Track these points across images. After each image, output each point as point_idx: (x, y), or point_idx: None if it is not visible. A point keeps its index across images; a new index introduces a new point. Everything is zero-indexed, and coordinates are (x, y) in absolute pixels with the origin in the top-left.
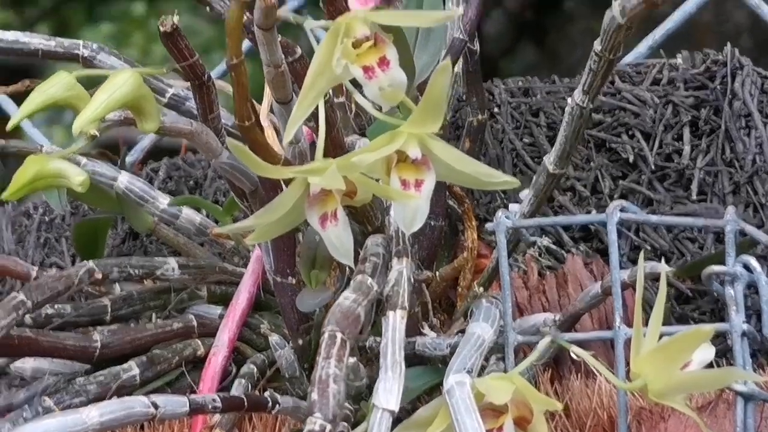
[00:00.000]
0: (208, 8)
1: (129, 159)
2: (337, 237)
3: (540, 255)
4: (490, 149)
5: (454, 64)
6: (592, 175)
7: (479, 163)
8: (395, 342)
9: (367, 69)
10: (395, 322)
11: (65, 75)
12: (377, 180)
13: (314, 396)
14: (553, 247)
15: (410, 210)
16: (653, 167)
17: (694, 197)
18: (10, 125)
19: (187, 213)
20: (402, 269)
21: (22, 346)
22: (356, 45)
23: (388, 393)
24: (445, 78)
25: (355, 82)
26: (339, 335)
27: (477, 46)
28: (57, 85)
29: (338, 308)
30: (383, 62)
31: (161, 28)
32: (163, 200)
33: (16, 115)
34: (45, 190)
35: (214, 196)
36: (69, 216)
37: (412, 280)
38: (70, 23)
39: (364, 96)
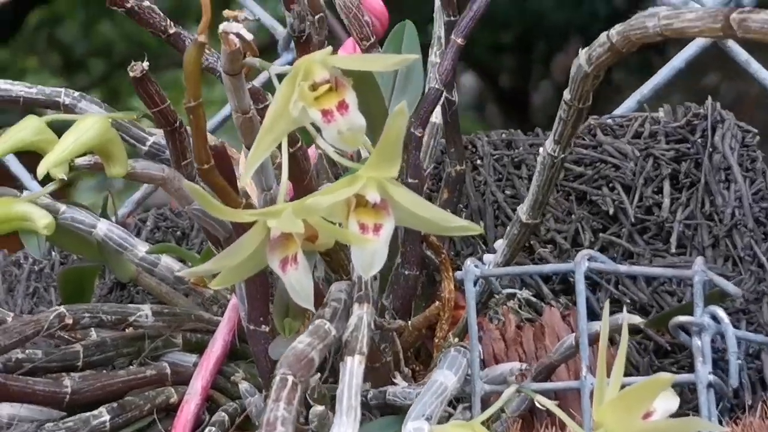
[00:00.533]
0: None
1: (121, 211)
2: (297, 281)
3: (520, 307)
4: (471, 201)
5: (429, 114)
6: (572, 227)
7: (438, 208)
8: (351, 387)
9: (325, 113)
10: (353, 367)
11: (35, 119)
12: (340, 225)
13: None
14: (533, 299)
15: (368, 254)
16: (633, 220)
17: (674, 250)
18: None
19: (166, 261)
20: (362, 314)
21: None
22: (316, 88)
23: None
24: (401, 121)
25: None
26: (290, 378)
27: (455, 97)
28: (27, 129)
29: (292, 351)
30: (342, 106)
31: (131, 73)
32: (142, 248)
33: None
34: (22, 234)
35: (201, 246)
36: (58, 265)
37: (373, 325)
38: (120, 91)
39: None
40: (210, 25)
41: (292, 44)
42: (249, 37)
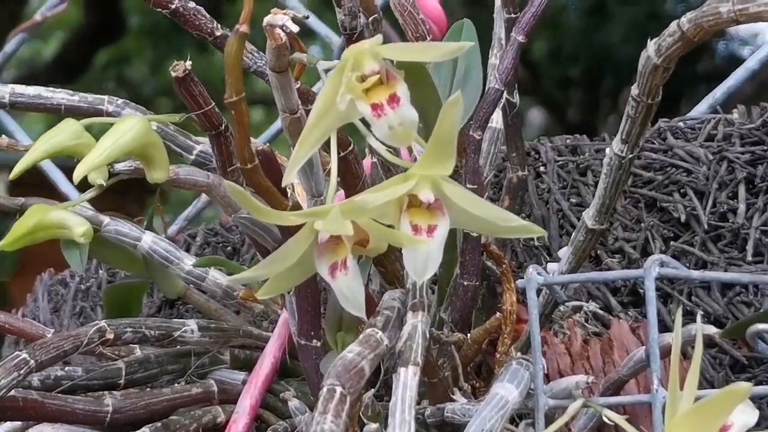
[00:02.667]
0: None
1: (173, 228)
2: (347, 287)
3: (587, 320)
4: (534, 210)
5: (489, 114)
6: (642, 236)
7: (495, 206)
8: (405, 400)
9: (375, 107)
10: (406, 379)
11: (73, 123)
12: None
13: None
14: (600, 312)
15: (421, 257)
16: (707, 227)
17: (750, 258)
18: (13, 174)
19: (214, 275)
20: (417, 323)
21: (27, 409)
22: (365, 80)
23: None
24: (455, 113)
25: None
26: (339, 389)
27: (516, 98)
28: (64, 132)
29: (341, 361)
30: (393, 99)
31: (173, 74)
32: (189, 261)
33: (21, 162)
34: (64, 248)
35: (252, 261)
36: (106, 284)
37: (428, 335)
38: (189, 128)
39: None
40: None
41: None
42: (295, 29)
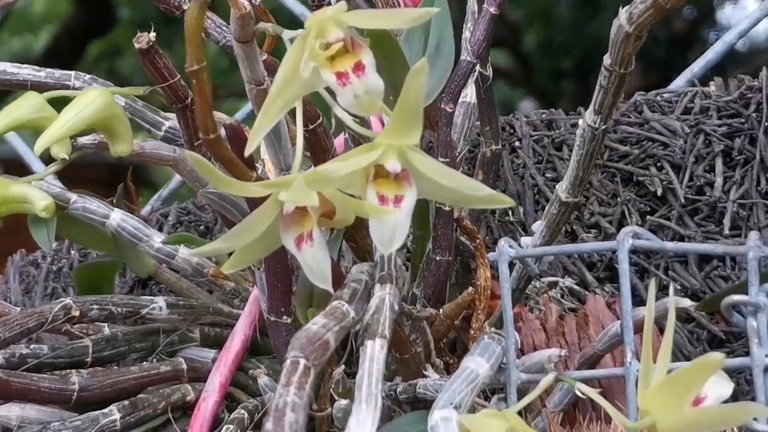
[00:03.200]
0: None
1: (146, 208)
2: (313, 259)
3: (562, 296)
4: (510, 185)
5: (461, 87)
6: (618, 210)
7: (463, 176)
8: (372, 374)
9: (340, 75)
10: (373, 352)
11: (34, 95)
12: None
13: (268, 426)
14: (576, 287)
15: (388, 227)
16: (683, 201)
17: (727, 232)
18: None
19: (184, 252)
20: (384, 296)
21: None
22: (328, 47)
23: (361, 427)
24: (421, 80)
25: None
26: (302, 361)
27: (489, 71)
28: (26, 105)
29: (304, 333)
30: (358, 67)
31: (136, 45)
32: (158, 239)
33: None
34: (31, 225)
35: None
36: (77, 264)
37: (396, 307)
38: (153, 103)
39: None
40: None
41: None
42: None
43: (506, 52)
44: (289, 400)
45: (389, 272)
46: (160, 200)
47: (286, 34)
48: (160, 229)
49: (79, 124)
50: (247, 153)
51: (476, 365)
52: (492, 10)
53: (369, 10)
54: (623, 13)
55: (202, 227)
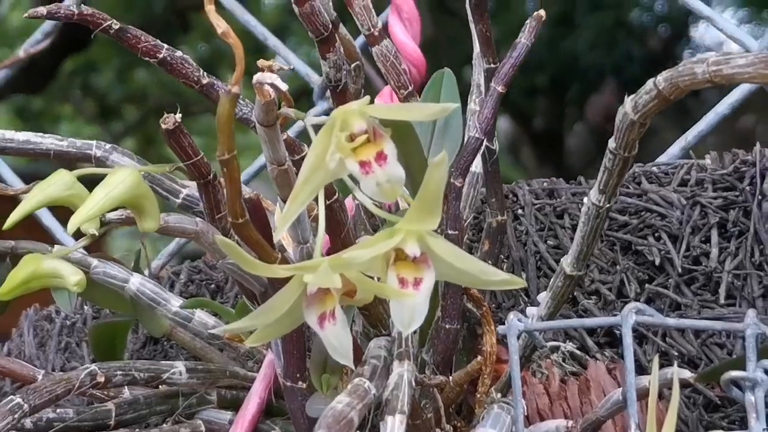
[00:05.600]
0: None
1: (155, 263)
2: (335, 337)
3: (564, 360)
4: (513, 252)
5: (469, 163)
6: (617, 278)
7: (480, 261)
8: None
9: (363, 164)
10: (393, 426)
11: (65, 174)
12: (378, 279)
13: None
14: (578, 352)
15: (408, 309)
16: (680, 270)
17: (723, 301)
18: (7, 224)
19: (200, 316)
20: (403, 372)
21: None
22: (353, 139)
23: None
24: (441, 171)
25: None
26: None
27: (496, 145)
28: (57, 184)
29: (330, 412)
30: (380, 157)
31: (163, 126)
32: (176, 302)
33: (14, 213)
34: (53, 291)
35: (235, 299)
36: (90, 320)
37: (414, 383)
38: (155, 137)
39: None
40: (244, 73)
41: (328, 92)
42: (284, 87)
43: None
44: None
45: (407, 349)
46: (169, 255)
47: (309, 119)
48: (172, 287)
49: (110, 203)
50: (276, 239)
51: None
52: (499, 89)
53: (391, 104)
54: (628, 102)
55: (213, 286)
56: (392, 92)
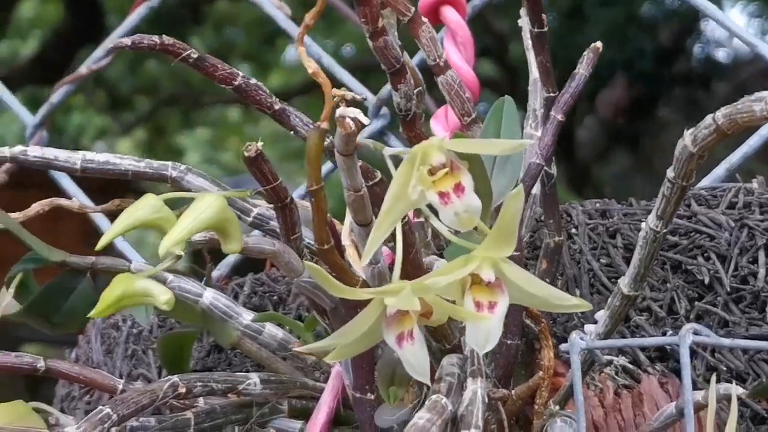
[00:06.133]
0: (292, 132)
1: (215, 274)
2: (413, 356)
3: (616, 374)
4: (567, 269)
5: (530, 188)
6: (668, 296)
7: (551, 287)
8: None
9: (443, 195)
10: None
11: (152, 198)
12: (453, 301)
13: None
14: (630, 366)
15: (483, 331)
16: (729, 289)
17: None
18: (99, 245)
19: (270, 329)
20: (476, 389)
21: None
22: (432, 171)
23: None
24: (518, 203)
25: (431, 206)
26: None
27: (554, 170)
28: (145, 207)
29: (413, 428)
30: (458, 188)
31: (246, 154)
32: (247, 316)
33: (106, 235)
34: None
35: (297, 311)
36: (156, 328)
37: (486, 399)
38: (166, 128)
39: (439, 220)
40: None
41: (382, 111)
42: (366, 121)
43: (492, 62)
44: None
45: (479, 367)
46: (229, 266)
47: (386, 151)
48: (236, 298)
49: (197, 227)
50: (363, 263)
51: None
52: (559, 117)
53: (469, 139)
54: (688, 135)
55: (275, 298)
56: (446, 113)
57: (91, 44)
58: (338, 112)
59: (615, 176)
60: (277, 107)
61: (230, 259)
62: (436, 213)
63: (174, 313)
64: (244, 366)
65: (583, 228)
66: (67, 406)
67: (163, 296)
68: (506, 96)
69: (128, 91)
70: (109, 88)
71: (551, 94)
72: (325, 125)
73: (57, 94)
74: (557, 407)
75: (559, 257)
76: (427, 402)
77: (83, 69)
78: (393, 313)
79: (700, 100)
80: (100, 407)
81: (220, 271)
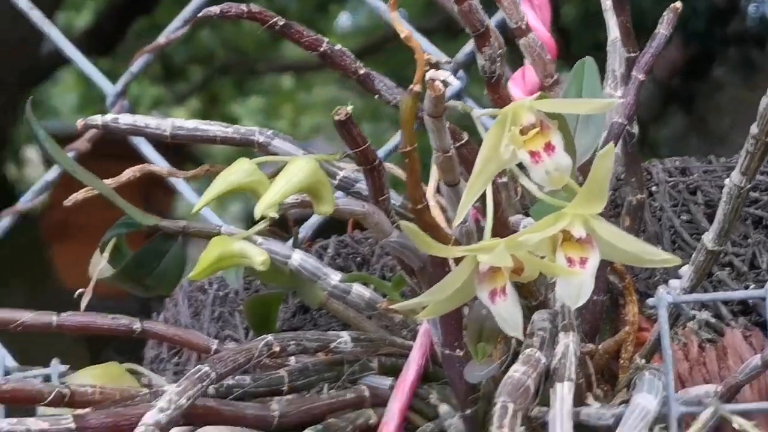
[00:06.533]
0: (377, 96)
1: (299, 236)
2: (506, 311)
3: (699, 328)
4: (648, 226)
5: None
6: (749, 251)
7: (642, 242)
8: (563, 413)
9: (533, 154)
10: (563, 393)
11: (246, 162)
12: (543, 257)
13: None
14: (713, 320)
15: (575, 286)
16: None
17: None
18: (196, 208)
19: (357, 289)
20: (569, 342)
21: (206, 415)
22: (523, 132)
23: None
24: (608, 162)
25: (519, 165)
26: (511, 406)
27: (636, 129)
28: (239, 171)
29: (509, 380)
30: (549, 147)
31: (336, 117)
32: (335, 277)
33: (201, 200)
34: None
35: (381, 272)
36: (242, 291)
37: (578, 353)
38: (220, 97)
39: (529, 179)
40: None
41: (459, 74)
42: (456, 83)
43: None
44: None
45: (570, 322)
46: (311, 228)
47: (476, 112)
48: (320, 260)
49: (291, 189)
50: (455, 224)
51: (646, 402)
52: (640, 77)
53: (558, 99)
54: None
55: (359, 259)
56: (523, 74)
57: (144, 16)
58: (428, 74)
59: (671, 135)
60: (362, 72)
61: (312, 221)
62: (524, 171)
63: (264, 275)
64: (330, 326)
65: (663, 186)
66: (156, 368)
67: (259, 257)
68: (587, 57)
69: (182, 61)
70: (162, 59)
71: (632, 54)
72: (418, 88)
73: (136, 64)
74: (643, 361)
75: (641, 214)
76: (521, 356)
77: (162, 39)
78: (485, 270)
79: (755, 60)
80: (199, 366)
81: (303, 233)
